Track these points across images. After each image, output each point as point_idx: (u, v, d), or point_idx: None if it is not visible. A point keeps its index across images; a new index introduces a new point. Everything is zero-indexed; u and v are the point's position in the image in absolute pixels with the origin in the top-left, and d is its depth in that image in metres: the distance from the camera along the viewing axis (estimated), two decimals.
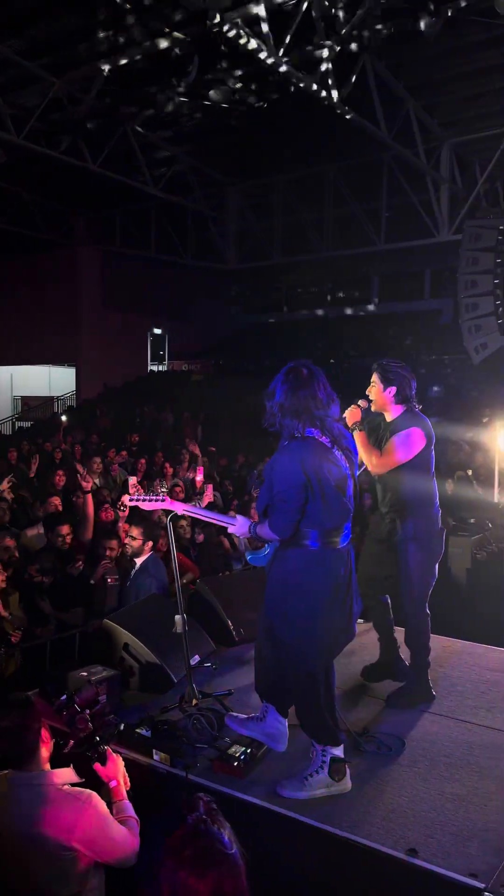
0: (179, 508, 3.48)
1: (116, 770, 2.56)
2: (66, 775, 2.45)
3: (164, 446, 12.84)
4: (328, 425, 2.86)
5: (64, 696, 2.57)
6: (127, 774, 2.62)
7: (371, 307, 23.96)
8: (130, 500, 3.56)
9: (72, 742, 2.52)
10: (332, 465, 2.83)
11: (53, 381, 24.13)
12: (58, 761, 2.55)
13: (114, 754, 2.58)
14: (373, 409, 3.81)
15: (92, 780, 2.53)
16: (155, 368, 23.85)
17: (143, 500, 3.49)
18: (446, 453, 11.51)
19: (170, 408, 18.14)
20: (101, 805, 2.38)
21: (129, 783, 2.60)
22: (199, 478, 8.49)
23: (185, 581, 5.74)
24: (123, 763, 2.63)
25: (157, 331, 23.72)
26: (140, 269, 21.54)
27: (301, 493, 2.80)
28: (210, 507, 7.31)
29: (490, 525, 7.58)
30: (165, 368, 23.98)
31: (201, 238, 19.85)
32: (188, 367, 23.81)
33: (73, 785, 2.42)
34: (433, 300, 22.42)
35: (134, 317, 22.33)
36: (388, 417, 3.80)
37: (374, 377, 3.79)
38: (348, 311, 24.22)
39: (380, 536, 3.86)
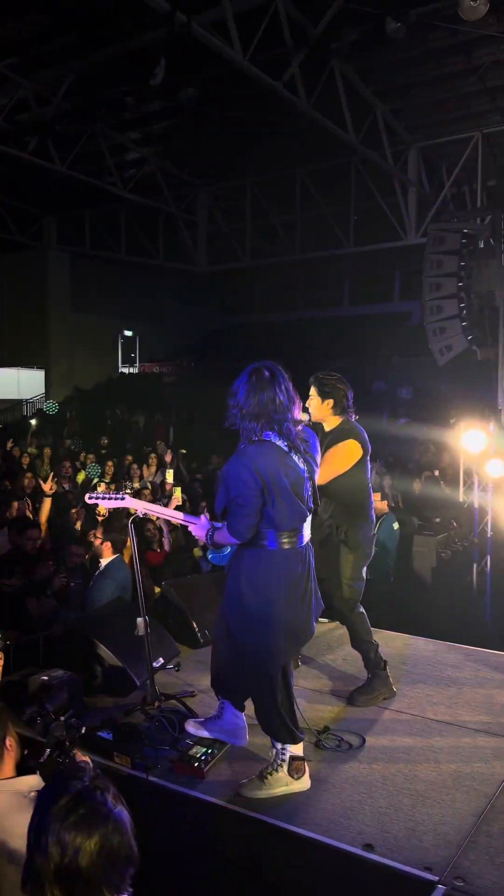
0: (140, 506, 3.48)
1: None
2: (32, 782, 2.42)
3: (135, 449, 12.79)
4: (286, 429, 2.87)
5: (33, 706, 2.55)
6: None
7: (341, 309, 24.11)
8: (90, 497, 3.56)
9: (48, 751, 2.50)
10: (287, 468, 2.85)
11: (23, 383, 23.90)
12: (26, 770, 2.53)
13: (83, 757, 2.53)
14: (312, 420, 3.89)
15: None
16: (126, 371, 23.74)
17: (104, 499, 3.49)
18: (414, 454, 11.66)
19: (141, 410, 18.07)
20: None
21: None
22: (169, 481, 8.47)
23: (149, 582, 5.74)
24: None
25: (128, 333, 23.61)
26: (110, 272, 21.43)
27: (258, 498, 2.82)
28: (178, 510, 7.33)
29: (455, 524, 7.69)
30: (136, 371, 23.88)
31: (172, 240, 19.81)
32: (159, 370, 23.74)
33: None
34: (402, 302, 22.64)
35: (104, 319, 22.21)
36: (326, 428, 3.91)
37: (312, 390, 3.91)
38: (319, 313, 24.35)
39: (319, 540, 3.94)
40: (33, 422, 16.50)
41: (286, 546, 2.92)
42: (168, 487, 8.15)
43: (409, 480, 9.46)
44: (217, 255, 19.85)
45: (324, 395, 3.88)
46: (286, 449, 2.87)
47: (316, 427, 3.91)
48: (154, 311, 23.52)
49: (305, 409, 3.90)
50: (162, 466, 10.10)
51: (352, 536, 3.84)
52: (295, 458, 2.90)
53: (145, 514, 3.60)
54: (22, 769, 2.51)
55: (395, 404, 16.68)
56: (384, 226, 16.28)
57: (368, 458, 3.90)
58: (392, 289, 23.16)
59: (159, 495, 8.28)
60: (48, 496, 5.76)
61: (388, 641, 4.55)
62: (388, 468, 10.19)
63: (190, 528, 3.24)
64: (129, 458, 10.91)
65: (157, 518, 6.43)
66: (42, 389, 22.09)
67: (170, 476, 8.44)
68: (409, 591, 6.68)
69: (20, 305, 21.24)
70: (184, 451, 12.54)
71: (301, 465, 2.93)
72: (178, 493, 7.20)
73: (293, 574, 2.94)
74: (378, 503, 7.40)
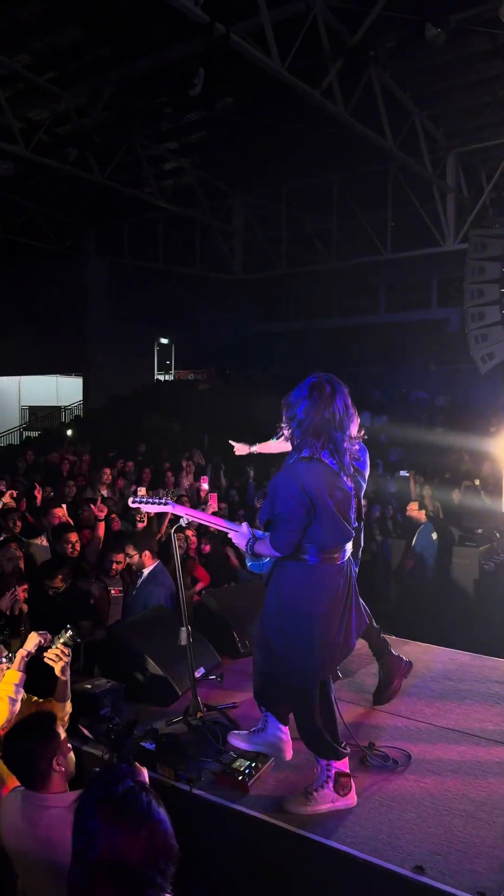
0: (182, 512, 3.46)
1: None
2: None
3: (170, 456, 12.84)
4: (341, 448, 2.82)
5: (103, 722, 2.53)
6: None
7: (377, 316, 23.94)
8: (133, 501, 3.55)
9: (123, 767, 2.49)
10: (335, 488, 2.80)
11: (61, 390, 24.22)
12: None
13: (142, 769, 2.51)
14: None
15: None
16: (161, 378, 23.89)
17: (147, 503, 3.48)
18: (452, 463, 11.48)
19: (176, 417, 18.15)
20: None
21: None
22: (205, 487, 8.48)
23: (195, 590, 5.73)
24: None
25: (164, 340, 23.78)
26: (147, 280, 21.62)
27: (304, 517, 2.78)
28: (214, 514, 7.31)
29: (498, 535, 7.54)
30: (172, 378, 24.02)
31: (208, 248, 19.92)
32: (194, 377, 23.85)
33: None
34: (440, 309, 22.40)
35: (141, 326, 22.42)
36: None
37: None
38: (355, 321, 24.22)
39: None
40: (69, 432, 16.66)
41: (328, 561, 2.88)
42: (203, 494, 8.15)
43: (448, 490, 9.31)
44: (253, 263, 19.91)
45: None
46: (336, 468, 2.82)
47: None
48: (190, 319, 23.65)
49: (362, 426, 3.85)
50: (198, 473, 10.11)
51: None
52: (344, 477, 2.85)
53: (188, 522, 3.58)
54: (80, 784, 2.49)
55: (433, 412, 16.49)
56: (421, 232, 16.14)
57: None
58: (429, 296, 22.92)
59: (196, 503, 8.28)
60: (101, 520, 5.78)
61: (433, 656, 4.46)
62: (426, 478, 10.05)
63: (231, 535, 3.21)
64: (168, 464, 10.95)
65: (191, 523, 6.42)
66: (79, 396, 22.35)
67: (206, 483, 8.45)
68: (450, 604, 6.56)
69: (59, 314, 21.54)
70: (221, 466, 12.51)
71: (349, 483, 2.89)
72: (213, 500, 7.20)
73: (334, 589, 2.90)
74: (415, 512, 7.30)
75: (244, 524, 3.16)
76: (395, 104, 12.49)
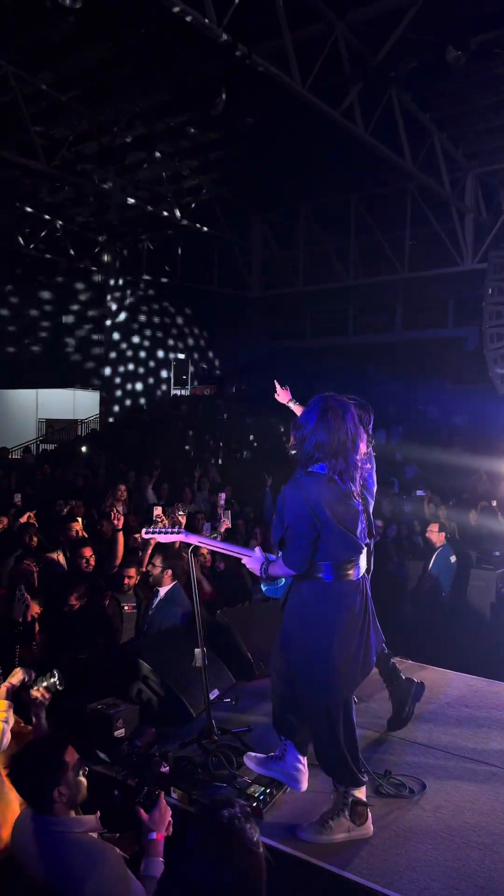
0: (195, 540, 3.45)
1: (162, 822, 2.40)
2: (87, 823, 2.38)
3: (186, 471, 12.85)
4: (351, 465, 2.82)
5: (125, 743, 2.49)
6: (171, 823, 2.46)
7: (394, 334, 23.92)
8: (146, 532, 3.54)
9: (146, 790, 2.47)
10: (339, 503, 2.79)
11: (78, 404, 24.35)
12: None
13: (164, 804, 2.44)
14: None
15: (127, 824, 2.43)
16: (178, 393, 23.98)
17: (160, 533, 3.47)
18: (469, 483, 11.39)
19: (192, 433, 18.18)
20: (117, 861, 2.26)
21: (171, 830, 2.44)
22: (221, 503, 8.45)
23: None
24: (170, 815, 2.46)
25: (181, 356, 23.91)
26: (165, 295, 21.78)
27: (311, 529, 2.77)
28: (228, 532, 7.29)
29: None
30: (188, 393, 24.10)
31: (226, 266, 20.04)
32: (211, 392, 23.91)
33: (100, 835, 2.35)
34: (457, 328, 22.33)
35: (158, 341, 22.56)
36: None
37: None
38: (371, 339, 24.21)
39: None
40: (84, 448, 16.67)
41: (343, 578, 2.87)
42: (220, 511, 8.12)
43: (464, 511, 9.23)
44: (271, 280, 20.00)
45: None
46: (344, 487, 2.81)
47: None
48: (207, 335, 23.77)
49: (370, 441, 3.85)
50: (215, 489, 10.10)
51: None
52: (354, 493, 2.84)
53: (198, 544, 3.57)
54: (104, 810, 2.47)
55: (450, 432, 16.41)
56: (439, 251, 16.17)
57: None
58: (446, 315, 22.87)
59: (212, 519, 8.26)
60: (119, 530, 5.76)
61: (449, 681, 4.40)
62: (442, 498, 9.98)
63: (244, 561, 3.19)
64: (183, 480, 10.96)
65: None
66: (96, 410, 22.47)
67: (223, 500, 8.42)
68: (466, 628, 6.47)
69: (78, 328, 21.73)
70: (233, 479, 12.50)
71: (356, 499, 2.88)
72: (228, 516, 7.17)
73: (351, 606, 2.89)
74: (435, 535, 7.23)
75: (257, 549, 3.15)
76: (415, 125, 12.57)
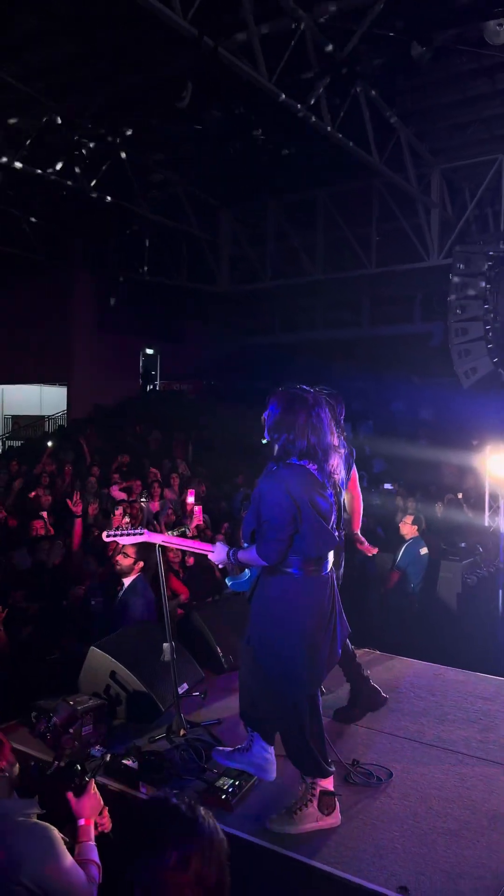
0: (158, 539, 3.45)
1: (89, 808, 2.39)
2: (25, 805, 2.31)
3: (155, 467, 12.78)
4: (321, 455, 2.84)
5: (43, 720, 2.50)
6: (108, 816, 2.44)
7: (361, 330, 24.09)
8: (107, 535, 3.53)
9: (56, 763, 2.43)
10: (317, 495, 2.81)
11: (45, 399, 24.08)
12: (41, 786, 2.46)
13: (94, 792, 2.42)
14: None
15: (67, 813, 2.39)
16: (148, 388, 23.85)
17: (122, 535, 3.46)
18: (435, 476, 11.54)
19: (161, 428, 18.10)
20: (57, 842, 2.20)
21: (109, 824, 2.43)
22: (190, 500, 8.43)
23: (174, 603, 5.69)
24: (103, 803, 2.44)
25: (150, 351, 23.77)
26: (133, 291, 21.59)
27: (291, 524, 2.78)
28: (199, 529, 7.27)
29: (481, 549, 7.57)
30: (157, 389, 23.98)
31: (194, 261, 19.96)
32: (180, 388, 23.84)
33: (39, 817, 2.27)
34: (423, 324, 22.57)
35: (126, 337, 22.37)
36: None
37: None
38: (339, 334, 24.35)
39: None
40: (50, 443, 16.48)
41: (311, 574, 2.88)
42: (189, 507, 8.11)
43: (431, 504, 9.34)
44: (239, 275, 19.97)
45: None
46: (320, 478, 2.83)
47: None
48: (175, 330, 23.66)
49: (342, 432, 3.88)
50: (184, 485, 10.07)
51: None
52: (327, 485, 2.87)
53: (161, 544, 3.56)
54: (38, 786, 2.43)
55: (416, 426, 16.58)
56: (405, 247, 16.28)
57: None
58: (412, 310, 23.10)
59: (181, 515, 8.25)
60: (77, 517, 5.72)
61: (417, 671, 4.46)
62: (409, 491, 10.08)
63: (210, 556, 3.19)
64: (155, 470, 10.94)
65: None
66: (64, 406, 22.24)
67: (192, 497, 8.40)
68: (434, 618, 6.57)
69: (44, 323, 21.46)
70: (203, 471, 12.51)
71: (331, 492, 2.91)
72: (199, 512, 7.17)
73: (319, 600, 2.91)
74: (408, 527, 7.29)
75: (218, 543, 3.16)
76: (382, 121, 12.62)
